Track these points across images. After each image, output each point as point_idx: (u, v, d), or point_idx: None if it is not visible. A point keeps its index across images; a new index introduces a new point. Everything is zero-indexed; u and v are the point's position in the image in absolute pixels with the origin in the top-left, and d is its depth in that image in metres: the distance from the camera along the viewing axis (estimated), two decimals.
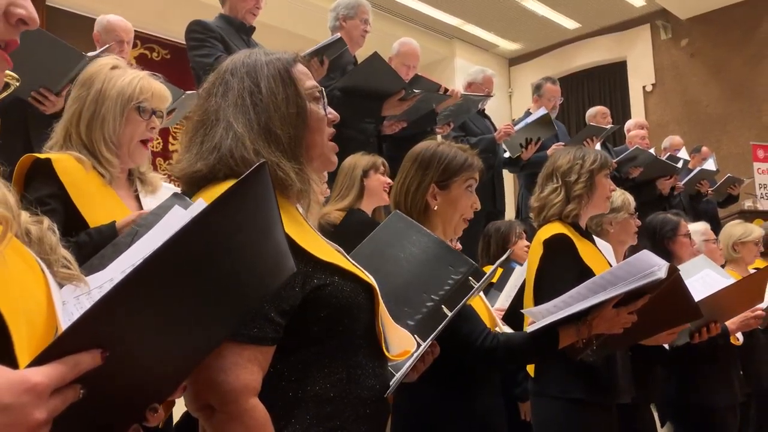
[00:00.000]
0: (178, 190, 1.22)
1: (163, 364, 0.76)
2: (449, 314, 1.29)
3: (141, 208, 1.73)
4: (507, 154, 4.52)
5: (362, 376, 1.07)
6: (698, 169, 5.55)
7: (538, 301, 2.03)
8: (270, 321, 0.96)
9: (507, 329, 2.15)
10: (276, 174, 1.04)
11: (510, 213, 5.00)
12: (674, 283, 1.75)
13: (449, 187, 1.69)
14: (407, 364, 1.15)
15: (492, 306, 2.70)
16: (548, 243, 2.07)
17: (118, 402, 0.73)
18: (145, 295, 0.68)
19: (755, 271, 3.37)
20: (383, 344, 1.12)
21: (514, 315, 2.28)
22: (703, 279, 2.46)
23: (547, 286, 2.03)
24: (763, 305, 2.67)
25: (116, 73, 1.74)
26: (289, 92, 1.11)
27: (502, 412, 1.71)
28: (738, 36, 8.44)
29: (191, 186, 1.11)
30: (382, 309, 1.14)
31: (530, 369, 2.16)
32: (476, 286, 1.35)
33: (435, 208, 1.68)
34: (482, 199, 4.48)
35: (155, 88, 1.75)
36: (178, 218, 0.98)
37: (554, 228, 2.12)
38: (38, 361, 0.63)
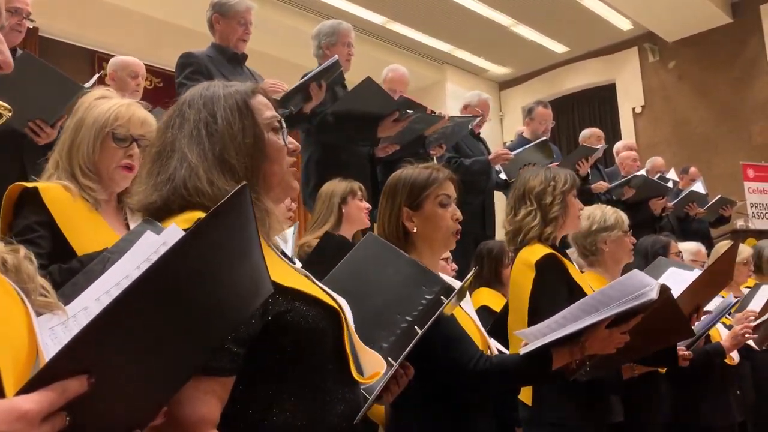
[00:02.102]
0: None
1: (146, 389, 0.76)
2: (419, 332, 1.28)
3: None
4: (503, 176, 4.52)
5: (331, 402, 1.05)
6: (688, 190, 5.58)
7: (534, 322, 2.02)
8: (227, 351, 0.95)
9: (498, 346, 2.14)
10: None
11: (499, 236, 4.99)
12: (666, 301, 1.75)
13: (421, 206, 1.68)
14: (378, 388, 1.13)
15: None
16: (540, 265, 2.06)
17: (101, 428, 0.73)
18: (132, 319, 0.68)
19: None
20: (353, 368, 1.10)
21: (499, 329, 2.25)
22: (672, 276, 2.46)
23: (544, 307, 2.01)
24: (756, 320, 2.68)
25: (100, 102, 1.74)
26: (246, 123, 1.11)
27: None
28: (724, 58, 8.56)
29: (151, 216, 1.10)
30: (352, 332, 1.13)
31: (526, 397, 2.14)
32: (444, 303, 1.33)
33: (414, 230, 1.67)
34: (472, 223, 4.47)
35: (135, 114, 1.74)
36: (150, 244, 0.97)
37: (540, 249, 2.11)
38: (27, 388, 0.63)
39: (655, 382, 2.58)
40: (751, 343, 2.84)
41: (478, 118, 4.46)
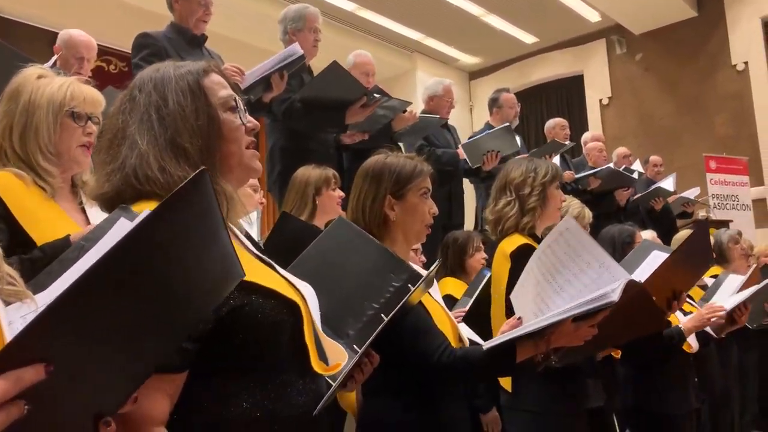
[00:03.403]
0: None
1: (111, 376, 0.75)
2: (385, 320, 1.26)
3: (87, 219, 1.68)
4: (468, 162, 4.52)
5: (291, 393, 1.04)
6: (655, 186, 5.66)
7: (512, 312, 2.04)
8: (177, 347, 0.93)
9: (470, 334, 2.16)
10: None
11: (469, 225, 5.02)
12: (638, 294, 1.76)
13: (405, 197, 1.70)
14: (340, 376, 1.12)
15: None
16: (514, 255, 2.09)
17: (67, 417, 0.72)
18: (90, 306, 0.66)
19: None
20: (314, 359, 1.09)
21: (475, 318, 2.27)
22: (654, 259, 2.50)
23: None
24: (724, 305, 2.73)
25: (43, 81, 1.67)
26: (198, 104, 1.08)
27: (467, 424, 1.70)
28: (689, 51, 8.71)
29: (107, 207, 1.08)
30: (315, 323, 1.12)
31: (506, 383, 2.17)
32: (411, 290, 1.32)
33: (394, 219, 1.69)
34: (439, 212, 4.47)
35: (86, 92, 1.69)
36: (123, 230, 0.95)
37: (516, 240, 2.14)
38: None
39: (612, 368, 2.63)
40: (709, 329, 2.90)
41: (445, 120, 4.46)
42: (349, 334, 1.24)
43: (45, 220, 1.57)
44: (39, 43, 6.80)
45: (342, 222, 1.54)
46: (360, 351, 1.21)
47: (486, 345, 1.60)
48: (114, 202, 1.05)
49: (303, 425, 1.05)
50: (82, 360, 0.69)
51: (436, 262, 1.65)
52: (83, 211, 1.70)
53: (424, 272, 1.44)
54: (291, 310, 1.08)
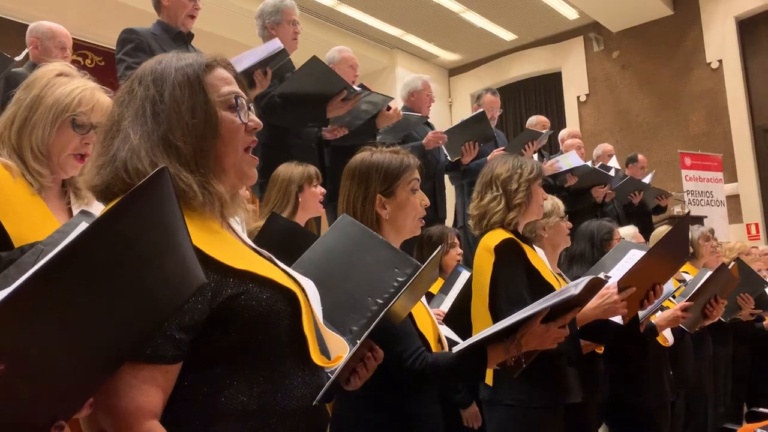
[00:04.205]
0: None
1: (67, 378, 0.73)
2: (381, 312, 1.25)
3: None
4: (449, 157, 4.53)
5: (290, 386, 1.02)
6: (628, 177, 5.71)
7: (494, 305, 2.07)
8: (169, 338, 0.92)
9: (448, 333, 2.16)
10: (177, 185, 0.99)
11: (450, 221, 5.04)
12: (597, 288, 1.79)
13: (395, 193, 1.68)
14: (338, 368, 1.11)
15: (440, 308, 2.73)
16: (499, 249, 2.10)
17: (19, 419, 0.70)
18: (41, 305, 0.65)
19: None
20: (314, 351, 1.07)
21: (455, 317, 2.29)
22: (632, 257, 2.55)
23: (503, 290, 2.07)
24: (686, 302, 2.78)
25: (60, 80, 1.61)
26: (196, 100, 1.05)
27: (438, 420, 1.70)
28: (665, 49, 8.83)
29: (98, 198, 1.05)
30: (315, 315, 1.10)
31: (487, 377, 2.18)
32: (406, 286, 1.31)
33: (386, 218, 1.67)
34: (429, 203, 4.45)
35: (99, 101, 1.62)
36: None
37: (500, 234, 2.16)
38: None
39: (595, 363, 2.67)
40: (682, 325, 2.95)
41: (426, 118, 4.46)
42: (352, 330, 1.23)
43: (26, 216, 1.53)
44: (10, 35, 6.70)
45: (347, 219, 1.53)
46: (358, 343, 1.18)
47: (456, 348, 1.59)
48: (105, 194, 1.03)
49: (302, 417, 1.03)
50: (34, 360, 0.67)
51: (437, 251, 1.60)
52: (70, 212, 1.65)
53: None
54: (289, 300, 1.06)
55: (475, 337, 1.57)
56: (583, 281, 1.57)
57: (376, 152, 1.73)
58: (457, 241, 3.29)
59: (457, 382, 2.00)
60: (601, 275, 1.81)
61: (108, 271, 0.71)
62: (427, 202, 1.73)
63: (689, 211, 6.50)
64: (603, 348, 2.61)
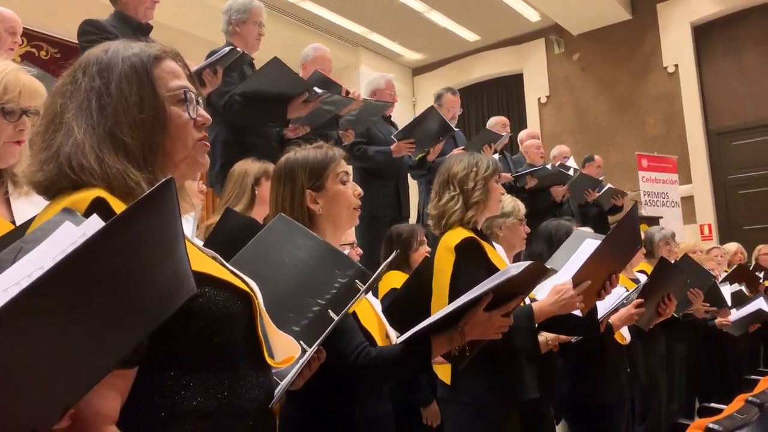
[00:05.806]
0: None
1: (48, 388, 0.71)
2: (335, 318, 1.26)
3: (10, 210, 1.58)
4: (412, 156, 4.52)
5: (244, 387, 1.02)
6: (580, 173, 5.78)
7: None
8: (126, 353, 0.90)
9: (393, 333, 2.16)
10: (125, 183, 0.97)
11: (413, 219, 5.05)
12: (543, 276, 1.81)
13: (324, 186, 1.67)
14: (292, 372, 1.11)
15: None
16: (460, 247, 2.12)
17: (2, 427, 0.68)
18: (31, 316, 0.64)
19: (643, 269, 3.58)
20: (265, 352, 1.07)
21: (397, 310, 2.26)
22: (587, 246, 2.57)
23: (463, 289, 2.06)
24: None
25: None
26: (144, 94, 1.01)
27: (390, 421, 1.68)
28: (623, 52, 9.01)
29: (42, 194, 1.01)
30: (264, 316, 1.10)
31: (445, 375, 2.19)
32: (362, 289, 1.32)
33: (320, 213, 1.66)
34: (387, 208, 4.44)
35: (24, 84, 1.55)
36: (68, 235, 0.91)
37: (460, 233, 2.17)
38: None
39: (551, 360, 2.70)
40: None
41: (390, 105, 4.46)
42: (292, 330, 1.23)
43: None
44: None
45: (282, 218, 1.51)
46: (310, 349, 1.18)
47: (400, 339, 1.58)
48: (49, 190, 0.99)
49: (256, 418, 1.03)
50: (15, 370, 0.65)
51: (389, 258, 1.61)
52: (7, 201, 1.60)
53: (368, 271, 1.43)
54: (244, 301, 1.05)
55: (418, 327, 1.55)
56: (524, 264, 1.58)
57: (299, 150, 1.72)
58: (425, 239, 3.31)
59: (404, 374, 1.99)
60: (547, 265, 1.82)
61: (106, 281, 0.70)
62: (360, 191, 1.72)
63: (636, 202, 6.62)
64: (558, 346, 2.64)
